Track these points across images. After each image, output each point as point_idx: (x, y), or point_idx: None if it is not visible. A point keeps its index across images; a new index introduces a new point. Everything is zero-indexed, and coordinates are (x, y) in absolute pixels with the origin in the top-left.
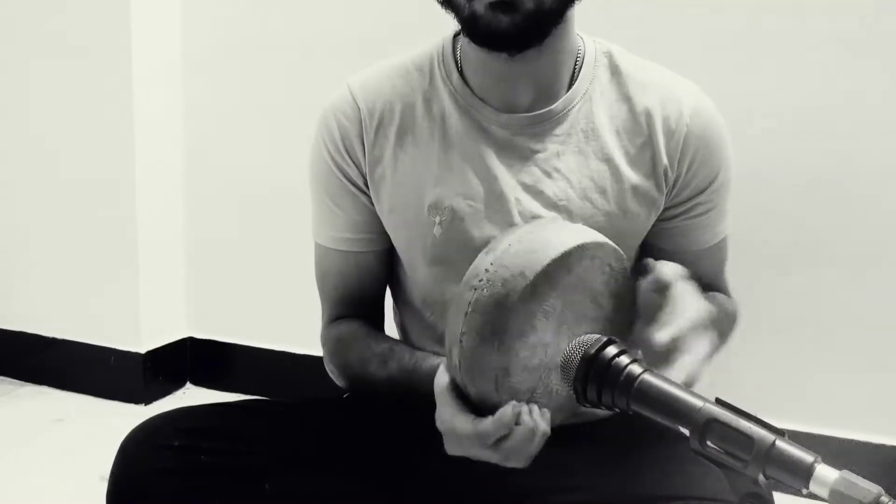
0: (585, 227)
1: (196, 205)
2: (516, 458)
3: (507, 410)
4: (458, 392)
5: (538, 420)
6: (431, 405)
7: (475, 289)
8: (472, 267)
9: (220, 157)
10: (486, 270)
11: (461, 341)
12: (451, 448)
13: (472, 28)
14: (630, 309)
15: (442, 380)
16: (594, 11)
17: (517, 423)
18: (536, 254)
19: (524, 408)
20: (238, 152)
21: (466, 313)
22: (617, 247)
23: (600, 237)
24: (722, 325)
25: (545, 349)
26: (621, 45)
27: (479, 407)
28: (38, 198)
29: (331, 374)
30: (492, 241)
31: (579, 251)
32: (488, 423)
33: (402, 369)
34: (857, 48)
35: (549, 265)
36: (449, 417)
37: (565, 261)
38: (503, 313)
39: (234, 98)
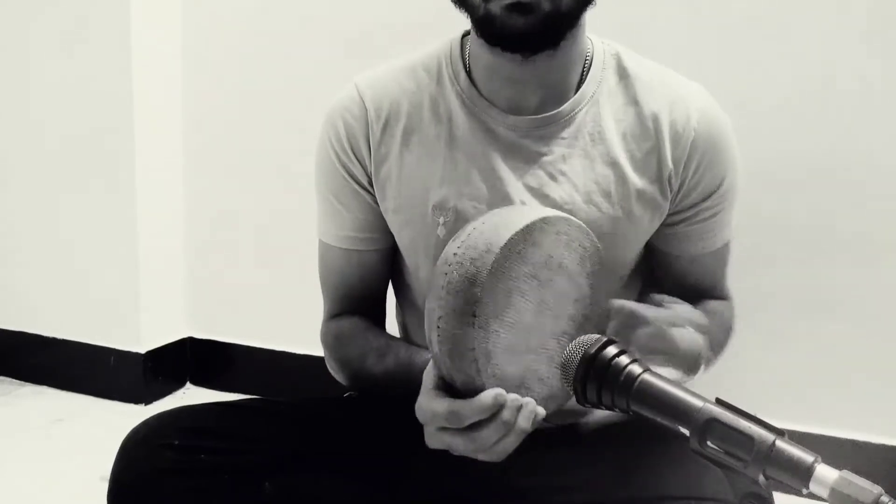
0: (550, 207)
1: (196, 205)
2: (489, 451)
3: (488, 394)
4: (445, 385)
5: (521, 418)
6: None
7: (446, 273)
8: (441, 255)
9: (220, 157)
10: (455, 254)
11: (438, 326)
12: (430, 438)
13: (487, 28)
14: (612, 290)
15: (430, 374)
16: (595, 14)
17: (496, 413)
18: (500, 230)
19: (509, 399)
20: (238, 152)
21: (440, 297)
22: (583, 224)
23: (565, 214)
24: (713, 334)
25: (527, 331)
26: (619, 37)
27: (465, 396)
28: (38, 198)
29: (331, 370)
30: (458, 231)
31: (542, 224)
32: (465, 402)
33: (399, 363)
34: (857, 41)
35: (512, 237)
36: (427, 401)
37: (529, 234)
38: (476, 290)
39: (235, 98)
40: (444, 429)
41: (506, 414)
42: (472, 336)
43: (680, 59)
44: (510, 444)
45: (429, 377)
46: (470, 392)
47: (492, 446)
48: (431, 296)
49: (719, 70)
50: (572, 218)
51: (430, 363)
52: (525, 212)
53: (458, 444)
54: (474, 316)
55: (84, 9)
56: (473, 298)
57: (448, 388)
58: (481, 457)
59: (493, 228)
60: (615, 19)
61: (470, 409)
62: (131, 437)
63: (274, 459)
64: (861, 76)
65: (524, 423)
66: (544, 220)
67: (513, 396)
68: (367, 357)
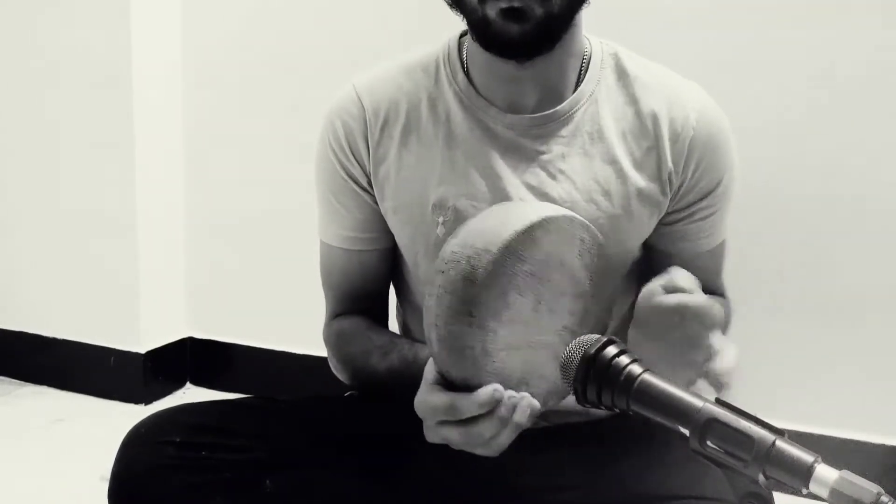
0: (553, 204)
1: (196, 204)
2: (484, 445)
3: (486, 390)
4: (444, 381)
5: (517, 414)
6: None
7: (443, 271)
8: (440, 253)
9: (221, 158)
10: (453, 252)
11: (436, 324)
12: (429, 432)
13: (482, 33)
14: (613, 285)
15: (430, 370)
16: (595, 17)
17: (493, 409)
18: (499, 229)
19: (506, 396)
20: (239, 153)
21: (438, 296)
22: (586, 220)
23: (568, 212)
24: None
25: (525, 328)
26: (618, 38)
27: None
28: (38, 198)
29: (334, 369)
30: (458, 227)
31: (544, 224)
32: (463, 396)
33: (403, 360)
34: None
35: (512, 237)
36: (426, 395)
37: (530, 234)
38: (472, 289)
39: (236, 98)
40: (442, 423)
41: (502, 410)
42: (469, 335)
43: (679, 62)
44: (506, 438)
45: (429, 373)
46: (469, 388)
47: (488, 441)
48: (429, 294)
49: (720, 75)
50: (575, 215)
51: (430, 361)
52: (525, 210)
53: (455, 438)
54: (472, 315)
55: (84, 7)
56: (470, 298)
57: (447, 383)
58: (478, 451)
59: (491, 227)
60: (615, 19)
61: (468, 403)
62: (132, 434)
63: (275, 457)
64: (865, 80)
65: (520, 418)
66: (545, 220)
67: (510, 393)
68: (371, 355)
